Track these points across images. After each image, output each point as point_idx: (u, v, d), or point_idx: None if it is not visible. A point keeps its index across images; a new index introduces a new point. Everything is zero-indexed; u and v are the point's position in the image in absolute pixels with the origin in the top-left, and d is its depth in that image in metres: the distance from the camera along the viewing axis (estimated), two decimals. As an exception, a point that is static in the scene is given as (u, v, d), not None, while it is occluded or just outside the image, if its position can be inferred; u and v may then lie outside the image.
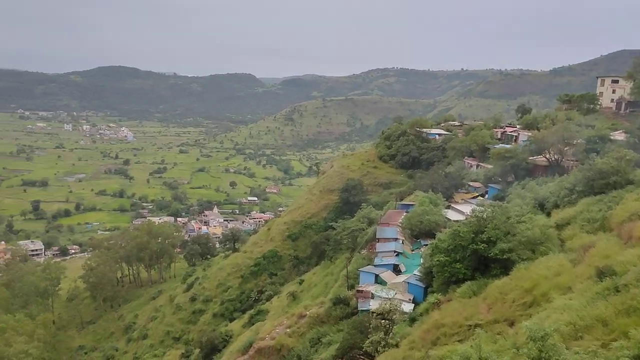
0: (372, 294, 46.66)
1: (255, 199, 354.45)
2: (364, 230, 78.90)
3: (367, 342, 35.03)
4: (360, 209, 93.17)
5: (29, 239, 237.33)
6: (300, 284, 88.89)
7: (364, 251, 70.30)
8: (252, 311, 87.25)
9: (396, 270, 53.16)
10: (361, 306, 46.50)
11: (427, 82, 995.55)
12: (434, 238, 47.63)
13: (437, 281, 39.36)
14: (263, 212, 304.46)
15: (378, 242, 62.67)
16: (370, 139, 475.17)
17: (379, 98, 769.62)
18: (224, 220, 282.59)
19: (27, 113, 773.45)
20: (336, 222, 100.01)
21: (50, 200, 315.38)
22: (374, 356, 33.72)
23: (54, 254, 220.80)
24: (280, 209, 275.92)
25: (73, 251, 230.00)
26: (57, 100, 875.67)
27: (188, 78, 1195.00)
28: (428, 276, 42.22)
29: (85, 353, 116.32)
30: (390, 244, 59.62)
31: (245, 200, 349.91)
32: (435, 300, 36.56)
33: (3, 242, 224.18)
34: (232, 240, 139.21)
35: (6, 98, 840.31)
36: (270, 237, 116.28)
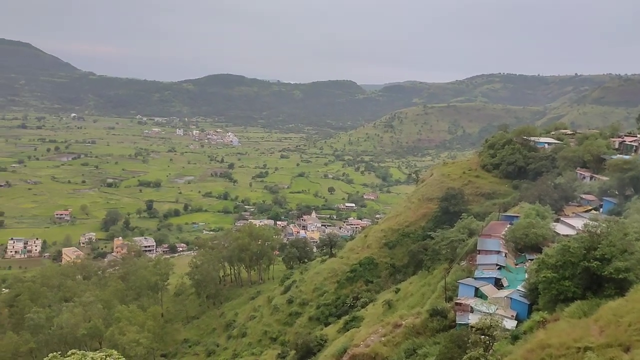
0: (472, 307, 44.97)
1: (353, 205, 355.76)
2: (463, 241, 76.33)
3: (465, 357, 33.79)
4: (461, 219, 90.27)
5: (142, 235, 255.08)
6: (396, 292, 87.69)
7: (463, 263, 68.04)
8: (347, 317, 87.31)
9: (498, 284, 50.90)
10: (459, 319, 44.96)
11: (536, 88, 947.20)
12: (541, 253, 45.20)
13: (543, 298, 37.23)
14: (360, 219, 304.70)
15: (479, 254, 60.38)
16: (473, 147, 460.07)
17: (483, 105, 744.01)
18: (322, 225, 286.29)
19: (144, 119, 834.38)
20: (435, 232, 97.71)
21: (162, 200, 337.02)
22: (472, 373, 32.40)
23: (164, 251, 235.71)
24: (378, 216, 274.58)
25: (181, 249, 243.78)
26: (170, 107, 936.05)
27: (291, 85, 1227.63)
28: (533, 293, 40.07)
29: (190, 346, 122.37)
30: (492, 257, 57.24)
31: (343, 206, 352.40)
32: (541, 319, 34.55)
33: (120, 238, 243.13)
34: (329, 246, 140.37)
35: (127, 105, 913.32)
36: (367, 244, 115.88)
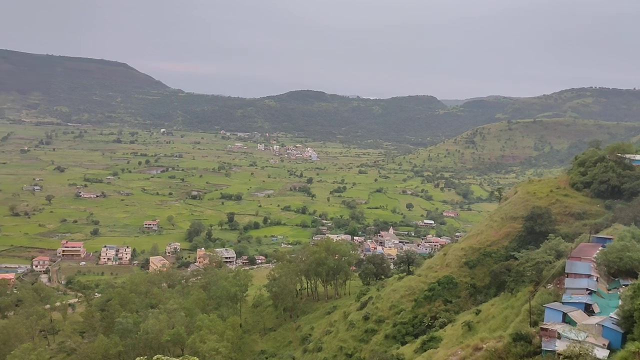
0: (559, 333, 42.48)
1: (432, 222, 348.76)
2: (550, 262, 72.53)
3: (551, 386, 31.89)
4: (547, 239, 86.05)
5: (224, 247, 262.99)
6: (476, 314, 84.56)
7: (549, 286, 64.58)
8: (424, 337, 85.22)
9: (588, 310, 47.79)
10: (545, 346, 42.59)
11: (632, 103, 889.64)
12: (636, 278, 42.07)
13: (638, 327, 34.54)
14: (439, 236, 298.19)
15: (567, 277, 57.06)
16: (561, 164, 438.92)
17: (573, 120, 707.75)
18: (399, 242, 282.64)
19: (228, 134, 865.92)
20: (519, 252, 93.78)
21: (243, 213, 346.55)
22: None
23: (243, 262, 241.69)
24: (458, 234, 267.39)
25: (260, 261, 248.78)
26: (252, 122, 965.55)
27: (370, 100, 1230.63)
28: (628, 321, 37.25)
29: (266, 358, 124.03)
30: (582, 281, 53.90)
31: (421, 223, 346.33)
32: (637, 349, 32.03)
33: (203, 249, 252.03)
34: (407, 263, 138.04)
35: (212, 120, 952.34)
36: (446, 262, 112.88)
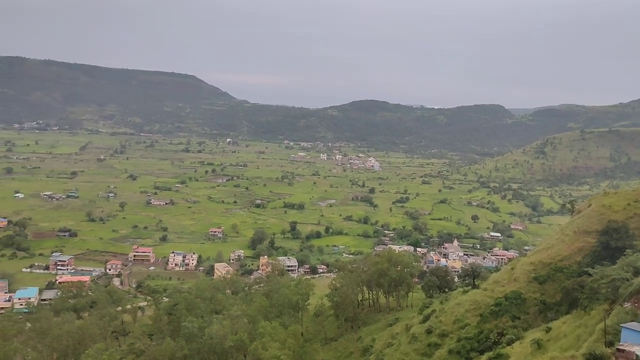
0: (637, 355, 39.95)
1: (499, 234, 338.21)
2: (628, 280, 68.50)
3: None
4: (624, 255, 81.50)
5: (286, 255, 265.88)
6: (546, 331, 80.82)
7: (627, 304, 60.91)
8: (490, 353, 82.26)
9: (671, 332, 44.60)
10: (623, 369, 40.10)
11: None
12: None
13: None
14: (506, 249, 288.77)
15: (647, 296, 53.63)
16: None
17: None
18: (464, 255, 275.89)
19: (291, 143, 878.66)
20: (593, 268, 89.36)
21: (305, 222, 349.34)
22: None
23: (305, 271, 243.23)
24: (527, 247, 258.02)
25: (321, 270, 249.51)
26: (315, 132, 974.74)
27: (434, 110, 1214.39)
28: None
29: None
30: (663, 300, 50.48)
31: (487, 236, 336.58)
32: None
33: (266, 256, 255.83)
34: (472, 276, 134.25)
35: (276, 130, 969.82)
36: (514, 277, 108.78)
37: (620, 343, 44.84)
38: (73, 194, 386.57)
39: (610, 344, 49.18)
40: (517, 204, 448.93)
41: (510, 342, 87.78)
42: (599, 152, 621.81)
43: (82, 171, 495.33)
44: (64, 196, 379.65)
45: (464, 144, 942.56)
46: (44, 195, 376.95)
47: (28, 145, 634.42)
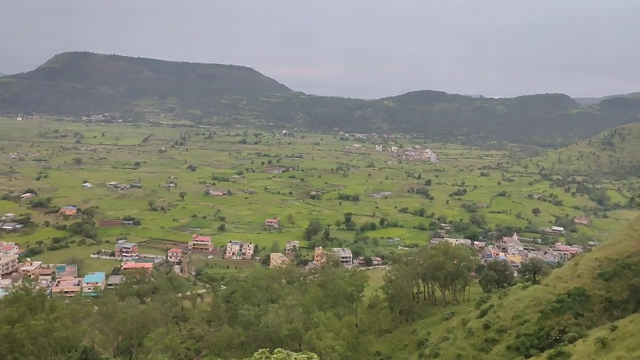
0: None
1: (561, 229, 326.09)
2: (703, 278, 64.63)
3: None
4: (700, 252, 76.93)
5: (340, 246, 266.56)
6: (612, 330, 77.41)
7: (702, 305, 57.54)
8: (551, 351, 79.67)
9: None
10: (696, 372, 37.91)
11: None
12: None
13: None
14: (570, 245, 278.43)
15: None
16: None
17: None
18: (524, 249, 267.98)
19: (346, 135, 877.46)
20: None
21: (360, 214, 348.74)
22: None
23: (360, 263, 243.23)
24: (592, 242, 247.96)
25: (376, 262, 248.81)
26: (371, 124, 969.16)
27: (494, 100, 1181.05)
28: None
29: (381, 359, 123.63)
30: None
31: (549, 230, 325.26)
32: None
33: (320, 247, 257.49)
34: (533, 271, 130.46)
35: (331, 122, 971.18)
36: (578, 272, 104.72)
37: (694, 345, 42.41)
38: (136, 184, 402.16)
39: (682, 346, 46.64)
40: (581, 197, 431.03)
41: (572, 340, 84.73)
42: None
43: (145, 162, 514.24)
44: (128, 186, 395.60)
45: (525, 135, 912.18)
46: (110, 185, 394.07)
47: (95, 137, 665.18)
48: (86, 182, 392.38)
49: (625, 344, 66.92)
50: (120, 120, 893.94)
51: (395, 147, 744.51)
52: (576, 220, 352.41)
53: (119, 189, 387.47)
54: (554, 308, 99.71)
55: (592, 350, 71.67)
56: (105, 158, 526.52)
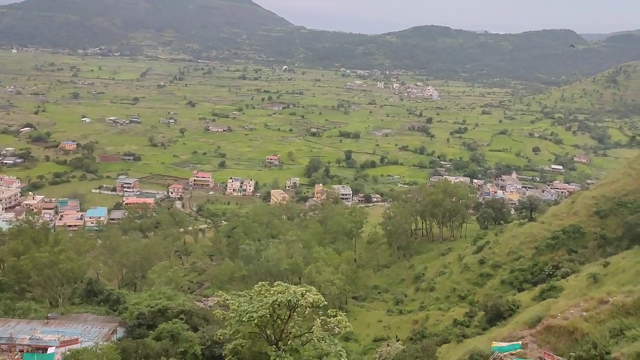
0: (701, 294, 38.71)
1: (560, 167, 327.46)
2: (698, 217, 65.50)
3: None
4: (696, 191, 77.64)
5: (340, 184, 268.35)
6: (604, 266, 79.31)
7: (694, 242, 58.60)
8: (544, 285, 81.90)
9: None
10: (683, 306, 39.12)
11: None
12: None
13: None
14: (568, 183, 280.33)
15: None
16: None
17: None
18: (522, 187, 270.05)
19: (347, 71, 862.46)
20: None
21: (360, 151, 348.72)
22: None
23: (359, 200, 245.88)
24: (589, 181, 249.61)
25: (375, 199, 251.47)
26: (373, 60, 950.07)
27: (499, 36, 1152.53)
28: None
29: (379, 293, 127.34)
30: None
31: (548, 168, 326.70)
32: None
33: (320, 185, 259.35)
34: (529, 209, 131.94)
35: (332, 57, 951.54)
36: (574, 210, 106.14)
37: (683, 280, 43.50)
38: (136, 120, 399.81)
39: (672, 281, 47.86)
40: (582, 136, 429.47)
41: (565, 275, 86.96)
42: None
43: (144, 97, 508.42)
44: (127, 121, 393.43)
45: (529, 72, 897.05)
46: (109, 120, 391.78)
47: (92, 70, 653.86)
48: (85, 117, 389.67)
49: (616, 279, 68.74)
50: (117, 54, 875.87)
51: (397, 84, 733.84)
52: (575, 159, 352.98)
53: (118, 124, 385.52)
54: (548, 244, 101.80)
55: (583, 285, 73.67)
56: (103, 92, 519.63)
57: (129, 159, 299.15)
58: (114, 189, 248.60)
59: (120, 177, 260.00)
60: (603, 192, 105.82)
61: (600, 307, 49.33)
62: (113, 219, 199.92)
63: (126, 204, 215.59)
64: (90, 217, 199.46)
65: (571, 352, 44.65)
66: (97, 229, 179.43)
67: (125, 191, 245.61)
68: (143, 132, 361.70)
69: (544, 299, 70.43)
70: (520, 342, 51.32)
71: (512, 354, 49.57)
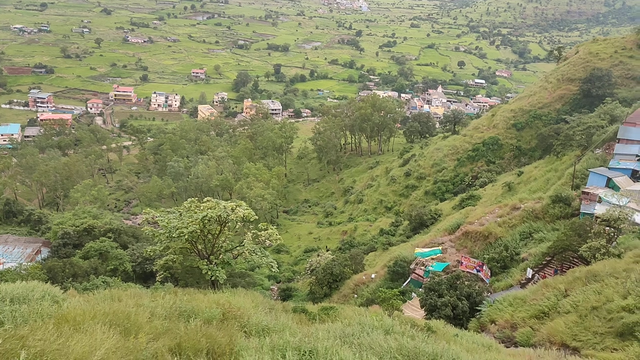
0: (600, 197, 42.49)
1: (483, 81, 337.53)
2: (602, 127, 70.54)
3: (584, 246, 32.67)
4: (603, 103, 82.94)
5: (270, 99, 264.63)
6: (518, 175, 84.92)
7: (598, 151, 63.43)
8: (463, 195, 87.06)
9: (635, 176, 47.10)
10: (584, 209, 42.94)
11: None
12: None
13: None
14: (489, 97, 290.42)
15: (618, 142, 55.61)
16: (632, 22, 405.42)
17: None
18: (447, 101, 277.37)
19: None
20: (570, 116, 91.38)
21: (289, 65, 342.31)
22: (589, 262, 31.42)
23: (289, 115, 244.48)
24: (509, 95, 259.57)
25: (305, 114, 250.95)
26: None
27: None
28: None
29: (309, 206, 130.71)
30: (633, 147, 52.54)
31: (471, 82, 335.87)
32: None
33: (249, 99, 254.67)
34: (453, 122, 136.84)
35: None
36: (494, 123, 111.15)
37: (586, 186, 47.38)
38: (45, 28, 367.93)
39: (576, 188, 52.04)
40: (504, 50, 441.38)
41: (483, 185, 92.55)
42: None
43: (52, 2, 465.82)
44: (35, 30, 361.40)
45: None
46: (15, 28, 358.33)
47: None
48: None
49: (528, 187, 73.88)
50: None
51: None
52: (497, 73, 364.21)
53: (25, 32, 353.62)
54: (469, 156, 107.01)
55: (499, 193, 78.83)
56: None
57: (41, 72, 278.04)
58: (26, 104, 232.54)
59: (32, 91, 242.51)
60: (521, 105, 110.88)
61: (513, 213, 53.28)
62: (28, 136, 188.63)
63: (41, 120, 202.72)
64: (2, 135, 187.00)
65: (485, 254, 48.58)
66: (10, 147, 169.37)
67: (39, 106, 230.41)
68: (54, 42, 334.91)
69: (463, 207, 75.07)
70: (440, 248, 55.09)
71: (432, 259, 53.28)
